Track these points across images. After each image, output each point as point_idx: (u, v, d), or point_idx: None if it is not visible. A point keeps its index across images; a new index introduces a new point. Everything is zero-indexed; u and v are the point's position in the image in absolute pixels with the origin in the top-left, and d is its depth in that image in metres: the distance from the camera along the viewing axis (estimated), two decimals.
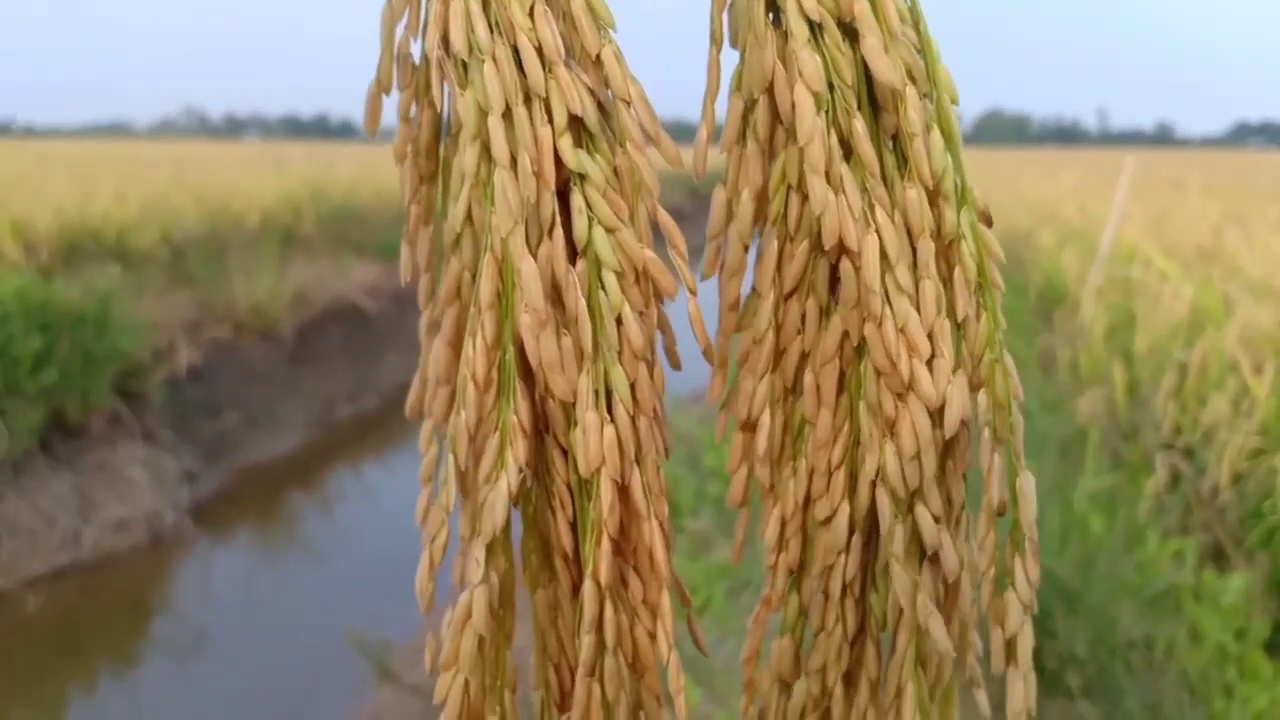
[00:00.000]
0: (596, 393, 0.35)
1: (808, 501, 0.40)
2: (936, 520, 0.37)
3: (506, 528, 0.37)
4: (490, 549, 0.37)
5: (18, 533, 3.94)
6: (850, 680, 0.40)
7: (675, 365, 0.39)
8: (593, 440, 0.35)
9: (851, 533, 0.39)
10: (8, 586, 3.75)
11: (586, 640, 0.36)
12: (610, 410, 0.35)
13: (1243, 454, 2.70)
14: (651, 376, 0.37)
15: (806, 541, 0.40)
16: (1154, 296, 3.83)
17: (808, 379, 0.39)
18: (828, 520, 0.39)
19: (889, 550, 0.38)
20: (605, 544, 0.35)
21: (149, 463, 4.53)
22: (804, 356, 0.39)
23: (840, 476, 0.39)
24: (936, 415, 0.37)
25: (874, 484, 0.38)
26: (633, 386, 0.36)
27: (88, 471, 4.35)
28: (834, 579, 0.39)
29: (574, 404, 0.36)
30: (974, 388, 0.38)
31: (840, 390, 0.39)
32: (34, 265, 4.94)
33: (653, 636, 0.37)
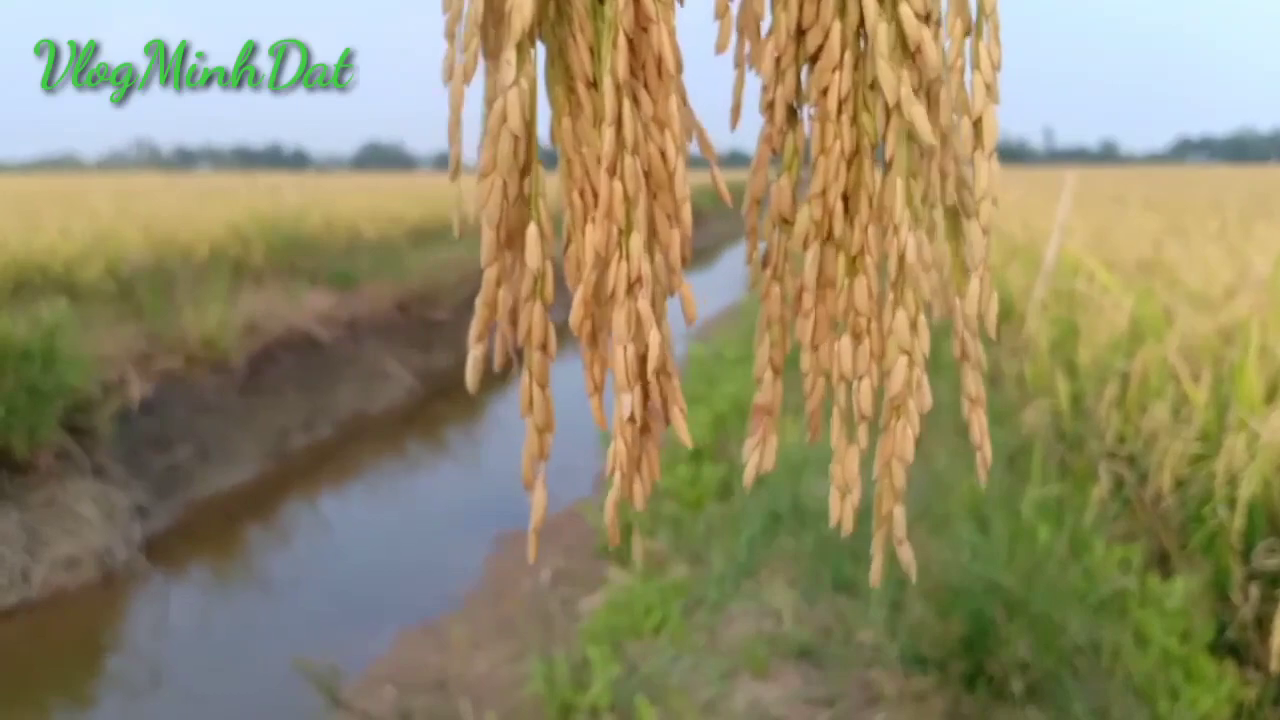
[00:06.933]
0: None
1: (800, 34, 0.42)
2: (918, 18, 0.40)
3: (532, 38, 0.39)
4: (520, 52, 0.38)
5: None
6: (848, 202, 0.43)
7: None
8: None
9: (843, 50, 0.41)
10: None
11: (608, 134, 0.38)
12: None
13: (1183, 460, 2.76)
14: None
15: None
16: (1096, 309, 3.92)
17: None
18: (819, 50, 0.41)
19: (874, 49, 0.40)
20: (621, 41, 0.37)
21: (99, 498, 4.46)
22: None
23: None
24: None
25: None
26: None
27: (36, 508, 4.28)
28: (830, 98, 0.41)
29: None
30: None
31: None
32: None
33: (663, 152, 0.39)
